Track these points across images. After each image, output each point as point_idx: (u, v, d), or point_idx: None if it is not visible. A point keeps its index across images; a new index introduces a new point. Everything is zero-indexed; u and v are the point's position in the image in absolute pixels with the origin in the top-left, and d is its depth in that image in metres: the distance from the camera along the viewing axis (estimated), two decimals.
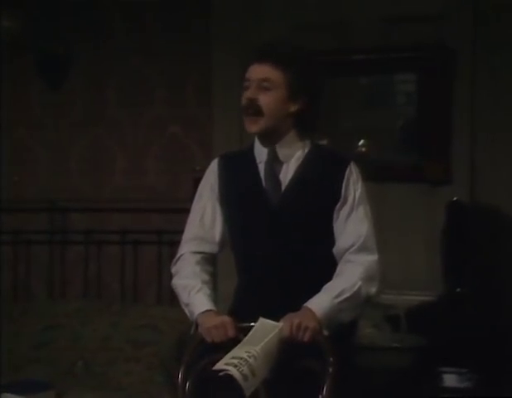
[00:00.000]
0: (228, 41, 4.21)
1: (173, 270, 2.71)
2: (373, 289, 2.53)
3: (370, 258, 2.55)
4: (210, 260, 2.70)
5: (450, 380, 3.29)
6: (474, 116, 3.84)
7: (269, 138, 2.60)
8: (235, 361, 2.25)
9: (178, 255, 2.71)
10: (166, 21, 4.40)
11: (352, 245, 2.55)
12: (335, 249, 2.59)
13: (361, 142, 4.02)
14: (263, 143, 2.62)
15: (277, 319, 2.41)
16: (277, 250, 2.56)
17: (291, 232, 2.56)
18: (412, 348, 3.48)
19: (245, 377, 2.23)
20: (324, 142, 4.08)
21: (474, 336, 3.48)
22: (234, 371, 2.22)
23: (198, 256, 2.67)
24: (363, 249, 2.55)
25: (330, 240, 2.59)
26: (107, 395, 3.60)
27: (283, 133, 2.61)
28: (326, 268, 2.56)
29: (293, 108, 2.58)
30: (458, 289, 3.62)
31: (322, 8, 4.09)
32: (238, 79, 4.00)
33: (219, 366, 2.27)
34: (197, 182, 2.92)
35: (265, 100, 2.55)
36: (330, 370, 2.36)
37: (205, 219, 2.69)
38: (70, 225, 4.53)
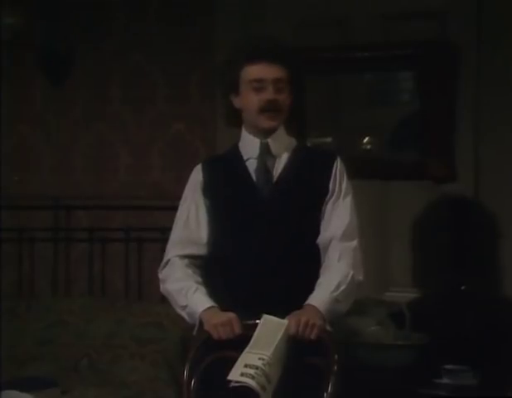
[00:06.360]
0: (230, 38, 4.20)
1: (161, 276, 2.69)
2: (360, 276, 2.59)
3: (353, 244, 2.61)
4: (198, 263, 2.68)
5: (454, 377, 3.28)
6: (478, 113, 3.83)
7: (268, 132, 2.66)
8: (252, 371, 2.25)
9: (165, 260, 2.70)
10: (169, 18, 4.39)
11: (336, 234, 2.60)
12: (319, 240, 2.63)
13: (366, 139, 4.03)
14: (260, 137, 2.66)
15: (265, 313, 2.42)
16: (267, 243, 2.58)
17: (281, 224, 2.59)
18: (416, 345, 3.47)
19: (263, 387, 2.24)
20: (328, 139, 4.10)
21: (478, 333, 3.48)
22: (253, 384, 2.24)
23: (186, 260, 2.66)
24: (345, 236, 2.60)
25: (318, 233, 2.64)
26: (111, 392, 3.59)
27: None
28: (313, 260, 2.61)
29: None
30: (462, 287, 3.63)
31: (324, 6, 4.08)
32: None
33: (235, 376, 2.27)
34: None
35: (283, 100, 2.63)
36: (335, 367, 2.37)
37: (190, 221, 2.70)
38: (73, 222, 4.52)
